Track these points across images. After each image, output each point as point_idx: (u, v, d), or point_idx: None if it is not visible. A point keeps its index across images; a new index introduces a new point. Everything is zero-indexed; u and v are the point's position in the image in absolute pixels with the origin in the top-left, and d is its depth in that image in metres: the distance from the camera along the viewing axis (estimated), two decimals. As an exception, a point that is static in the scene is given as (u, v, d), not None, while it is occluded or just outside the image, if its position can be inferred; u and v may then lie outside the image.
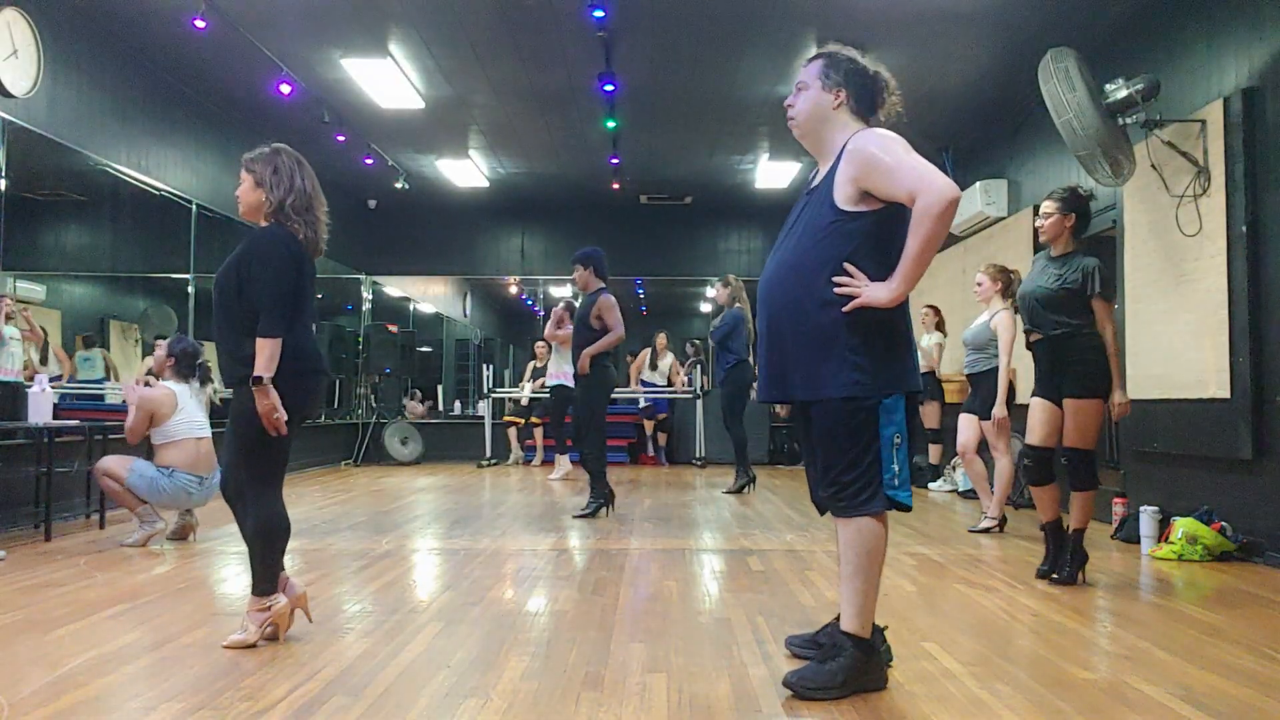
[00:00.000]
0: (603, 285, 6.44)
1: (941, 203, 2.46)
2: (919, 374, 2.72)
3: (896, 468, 2.60)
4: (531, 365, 11.31)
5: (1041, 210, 4.38)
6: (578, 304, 6.82)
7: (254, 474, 3.10)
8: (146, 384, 5.33)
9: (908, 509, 2.64)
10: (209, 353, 5.21)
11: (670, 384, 11.56)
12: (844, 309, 2.56)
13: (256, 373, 2.97)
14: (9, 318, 5.98)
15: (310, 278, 3.20)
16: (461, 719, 2.38)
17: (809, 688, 2.54)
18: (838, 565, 2.73)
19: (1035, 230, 4.37)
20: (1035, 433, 4.29)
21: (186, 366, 5.21)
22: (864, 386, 2.57)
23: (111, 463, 5.12)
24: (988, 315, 5.91)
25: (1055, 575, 4.18)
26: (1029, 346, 4.38)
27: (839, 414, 2.59)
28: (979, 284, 5.95)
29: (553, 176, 10.98)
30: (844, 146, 2.65)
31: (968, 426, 6.04)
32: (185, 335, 5.37)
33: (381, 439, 11.54)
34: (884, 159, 2.55)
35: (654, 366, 11.75)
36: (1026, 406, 4.45)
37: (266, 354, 2.98)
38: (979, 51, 6.96)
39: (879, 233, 2.60)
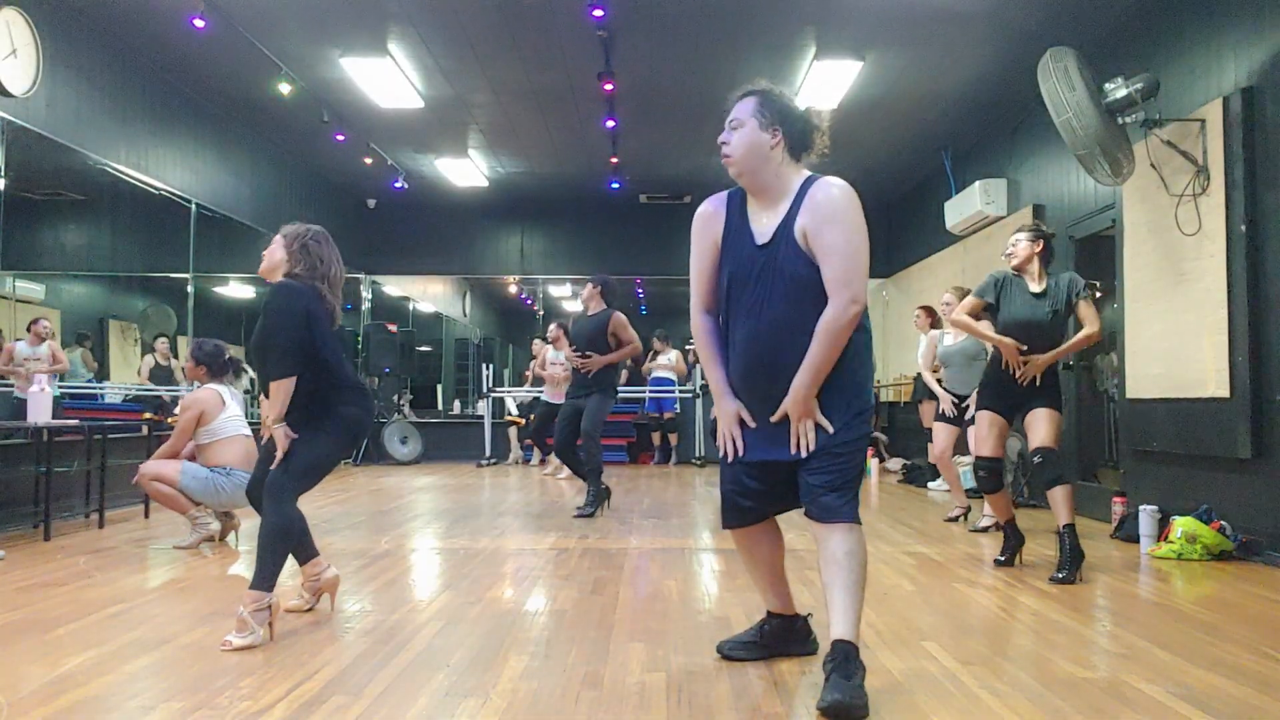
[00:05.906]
0: (607, 306, 6.59)
1: (854, 314, 2.51)
2: None
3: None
4: (532, 365, 11.29)
5: (1010, 241, 4.63)
6: (572, 324, 6.94)
7: (296, 485, 3.27)
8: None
9: None
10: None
11: (677, 376, 11.52)
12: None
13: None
14: (40, 338, 6.00)
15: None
16: (461, 719, 2.38)
17: (859, 707, 2.39)
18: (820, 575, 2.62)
19: (1006, 258, 4.65)
20: (987, 445, 4.58)
21: (218, 366, 5.15)
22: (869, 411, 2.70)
23: (160, 466, 4.97)
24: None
25: (1003, 559, 4.59)
26: (993, 360, 4.67)
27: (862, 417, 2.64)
28: (946, 303, 6.12)
29: (552, 176, 10.98)
30: (802, 191, 2.61)
31: (945, 433, 6.22)
32: (203, 338, 5.34)
33: (381, 438, 11.54)
34: (842, 233, 2.52)
35: (652, 360, 11.76)
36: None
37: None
38: (979, 51, 6.96)
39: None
